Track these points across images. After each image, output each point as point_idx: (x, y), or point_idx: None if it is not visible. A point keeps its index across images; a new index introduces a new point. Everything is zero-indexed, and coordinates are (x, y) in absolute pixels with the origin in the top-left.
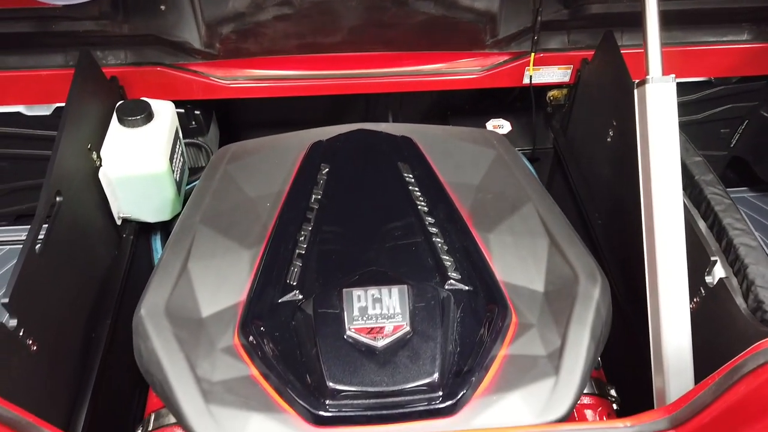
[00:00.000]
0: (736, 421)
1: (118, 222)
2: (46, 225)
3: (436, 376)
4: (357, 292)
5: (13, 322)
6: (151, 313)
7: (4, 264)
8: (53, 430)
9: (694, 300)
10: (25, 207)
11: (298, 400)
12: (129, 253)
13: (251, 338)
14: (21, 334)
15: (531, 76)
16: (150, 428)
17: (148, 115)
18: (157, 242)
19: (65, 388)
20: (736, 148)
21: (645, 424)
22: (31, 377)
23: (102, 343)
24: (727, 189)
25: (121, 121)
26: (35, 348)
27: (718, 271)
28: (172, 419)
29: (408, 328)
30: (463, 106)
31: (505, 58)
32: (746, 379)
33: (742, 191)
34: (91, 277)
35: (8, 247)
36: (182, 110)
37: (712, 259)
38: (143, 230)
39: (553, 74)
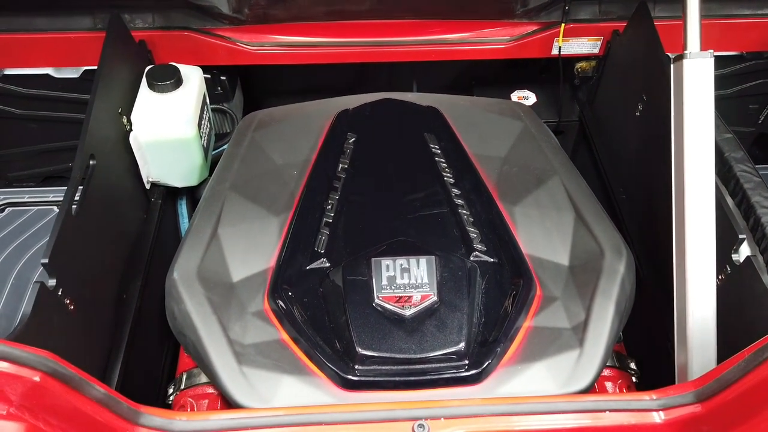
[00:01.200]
0: (761, 399)
1: (147, 186)
2: (81, 187)
3: (462, 345)
4: (386, 261)
5: (52, 282)
6: (183, 277)
7: (32, 225)
8: (104, 388)
9: (719, 277)
10: (52, 169)
11: (328, 364)
12: (157, 217)
13: (281, 303)
14: (60, 293)
15: (560, 47)
16: (182, 387)
17: (177, 81)
18: (183, 207)
19: (100, 347)
20: (764, 124)
21: (671, 398)
22: (69, 336)
23: (133, 304)
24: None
25: (150, 85)
26: (72, 307)
27: (745, 249)
28: (204, 379)
29: (435, 298)
30: (488, 76)
31: (534, 27)
32: None
33: None
34: (121, 239)
35: (36, 208)
36: (208, 75)
37: (740, 236)
38: (170, 195)
39: (582, 46)
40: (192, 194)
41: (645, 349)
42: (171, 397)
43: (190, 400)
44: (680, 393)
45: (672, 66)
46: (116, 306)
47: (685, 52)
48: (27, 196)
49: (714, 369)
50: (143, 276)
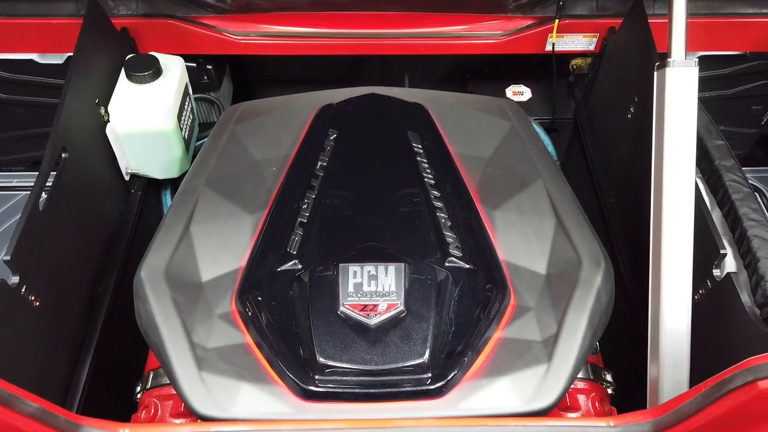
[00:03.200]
0: None
1: (126, 177)
2: (52, 181)
3: (426, 357)
4: (353, 267)
5: (15, 279)
6: (150, 276)
7: (20, 209)
8: (38, 401)
9: (700, 292)
10: (40, 154)
11: (289, 373)
12: (137, 208)
13: (248, 306)
14: (23, 290)
15: (554, 44)
16: (148, 386)
17: (156, 71)
18: (167, 197)
19: (69, 342)
20: (767, 125)
21: (628, 425)
22: (33, 332)
23: (107, 297)
24: (755, 168)
25: (128, 76)
26: (38, 303)
27: (727, 265)
28: None
29: (402, 307)
30: (483, 70)
31: (529, 22)
32: (733, 394)
33: None
34: (98, 231)
35: (24, 192)
36: (194, 64)
37: (722, 252)
38: (153, 185)
39: (577, 42)
40: (176, 185)
41: (626, 360)
42: (138, 396)
43: (155, 400)
44: (637, 422)
45: (656, 73)
46: (89, 300)
47: (669, 59)
48: (15, 180)
49: (673, 399)
50: (120, 268)
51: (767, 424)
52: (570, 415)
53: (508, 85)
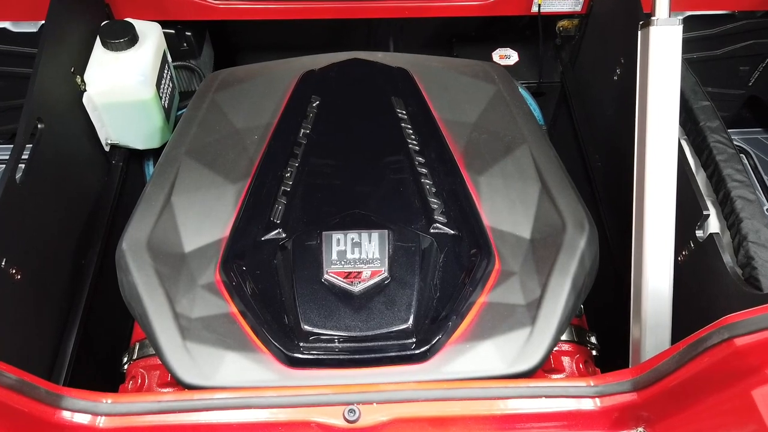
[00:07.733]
0: (696, 390)
1: (107, 149)
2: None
3: (410, 322)
4: (337, 235)
5: None
6: (132, 248)
7: None
8: (16, 373)
9: (683, 253)
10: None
11: (273, 341)
12: (119, 179)
13: (232, 276)
14: (3, 263)
15: (540, 5)
16: (135, 357)
17: (132, 38)
18: (150, 168)
19: (54, 315)
20: (754, 86)
21: (608, 385)
22: (16, 305)
23: (91, 270)
24: (743, 129)
25: (104, 43)
26: (19, 277)
27: (710, 226)
28: None
29: (386, 274)
30: (469, 34)
31: None
32: (710, 351)
33: (757, 132)
34: (79, 203)
35: (1, 166)
36: (172, 31)
37: (705, 213)
38: (135, 156)
39: (563, 3)
40: (159, 155)
41: (611, 323)
42: (125, 367)
43: (142, 371)
44: (617, 381)
45: (639, 32)
46: (73, 272)
47: (653, 18)
48: None
49: (651, 359)
50: (103, 241)
51: (743, 380)
52: (554, 376)
53: (495, 49)
